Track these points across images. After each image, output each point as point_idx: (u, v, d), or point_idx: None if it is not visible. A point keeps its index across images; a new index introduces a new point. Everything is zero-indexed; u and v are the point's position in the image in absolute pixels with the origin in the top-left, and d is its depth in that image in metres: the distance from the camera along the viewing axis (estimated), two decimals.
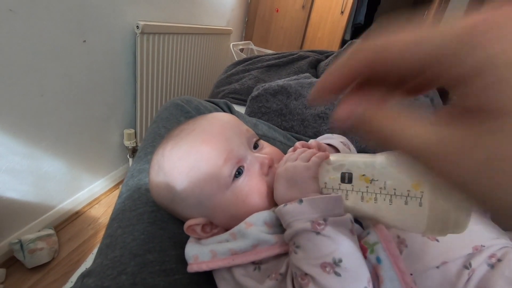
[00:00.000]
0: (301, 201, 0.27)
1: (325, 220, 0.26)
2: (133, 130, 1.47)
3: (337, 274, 0.24)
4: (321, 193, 0.30)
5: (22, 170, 1.01)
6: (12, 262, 1.05)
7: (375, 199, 0.27)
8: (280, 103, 0.72)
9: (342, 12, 2.15)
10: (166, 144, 0.37)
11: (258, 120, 0.65)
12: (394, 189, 0.26)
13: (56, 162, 1.14)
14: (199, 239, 0.35)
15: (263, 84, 0.76)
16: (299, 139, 0.65)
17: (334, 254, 0.25)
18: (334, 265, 0.24)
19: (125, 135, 1.45)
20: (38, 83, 0.97)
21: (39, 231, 1.12)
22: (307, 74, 0.86)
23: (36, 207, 1.13)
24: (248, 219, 0.31)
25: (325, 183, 0.29)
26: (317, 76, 1.12)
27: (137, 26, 1.25)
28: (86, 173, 1.32)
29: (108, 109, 1.32)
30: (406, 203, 0.26)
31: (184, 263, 0.34)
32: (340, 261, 0.24)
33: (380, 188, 0.27)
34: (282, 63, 1.14)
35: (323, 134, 0.57)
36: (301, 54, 1.18)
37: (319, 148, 0.36)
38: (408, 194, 0.26)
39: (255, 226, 0.30)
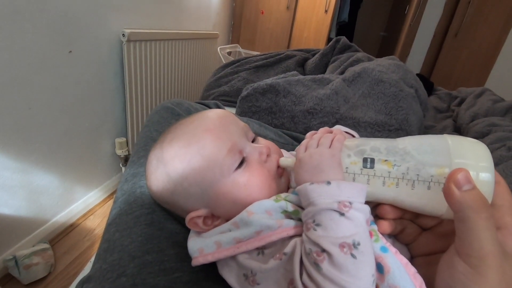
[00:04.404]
0: (329, 182, 0.28)
1: (351, 203, 0.27)
2: (124, 139, 1.46)
3: (353, 256, 0.25)
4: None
5: (14, 185, 1.00)
6: (7, 279, 1.03)
7: (397, 184, 0.27)
8: (270, 101, 0.73)
9: (326, 11, 2.19)
10: (164, 138, 0.37)
11: (249, 119, 0.66)
12: (417, 174, 0.26)
13: (48, 175, 1.12)
14: (199, 233, 0.35)
15: (252, 84, 0.77)
16: (290, 136, 0.66)
17: (355, 237, 0.25)
18: (352, 247, 0.25)
19: (116, 144, 1.44)
20: (25, 96, 0.96)
21: (33, 246, 1.10)
22: (295, 72, 0.87)
23: (30, 222, 1.11)
24: (249, 208, 0.31)
25: (347, 168, 0.29)
26: (304, 74, 1.13)
27: (123, 34, 1.25)
28: (79, 184, 1.31)
29: (98, 119, 1.31)
30: (429, 188, 0.26)
31: (184, 261, 0.34)
32: (359, 244, 0.25)
33: (403, 173, 0.27)
34: (270, 63, 1.15)
35: (313, 129, 0.57)
36: (288, 53, 1.20)
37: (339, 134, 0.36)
38: (431, 180, 0.26)
39: (257, 214, 0.31)
